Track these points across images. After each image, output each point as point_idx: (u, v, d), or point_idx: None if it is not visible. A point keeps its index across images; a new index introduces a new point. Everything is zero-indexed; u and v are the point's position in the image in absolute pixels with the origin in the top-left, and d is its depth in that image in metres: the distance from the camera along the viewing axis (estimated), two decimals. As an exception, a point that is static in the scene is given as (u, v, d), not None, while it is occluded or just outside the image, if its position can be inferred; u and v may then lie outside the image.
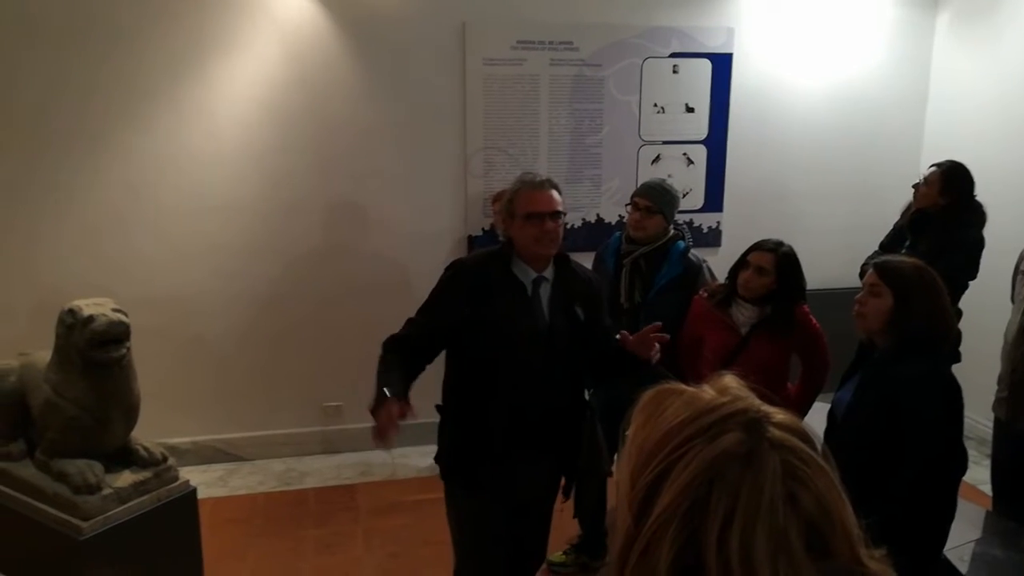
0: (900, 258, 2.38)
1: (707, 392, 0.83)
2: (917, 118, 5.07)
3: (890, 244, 3.91)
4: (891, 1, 4.87)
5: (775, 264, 2.86)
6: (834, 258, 4.74)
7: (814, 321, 2.97)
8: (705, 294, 3.04)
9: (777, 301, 2.88)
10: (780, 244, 2.92)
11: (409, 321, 2.45)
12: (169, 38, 3.99)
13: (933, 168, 3.70)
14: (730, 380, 0.85)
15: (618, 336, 2.41)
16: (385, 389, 2.18)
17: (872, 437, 2.13)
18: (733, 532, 0.70)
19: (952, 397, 2.11)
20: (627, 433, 0.85)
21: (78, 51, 3.90)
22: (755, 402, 0.81)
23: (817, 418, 2.68)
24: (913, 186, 3.80)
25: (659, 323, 2.42)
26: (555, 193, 2.38)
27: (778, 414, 0.80)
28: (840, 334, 2.83)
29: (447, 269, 2.47)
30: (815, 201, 5.00)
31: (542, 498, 2.59)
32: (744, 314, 2.91)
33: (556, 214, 2.36)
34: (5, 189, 3.94)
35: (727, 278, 3.02)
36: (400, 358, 2.36)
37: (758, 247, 2.93)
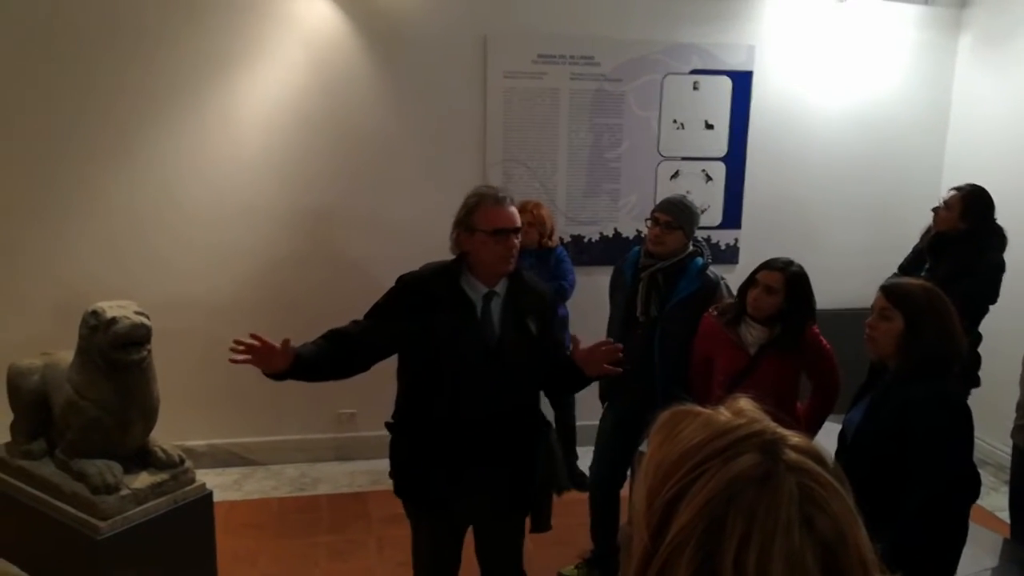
0: (908, 280, 2.36)
1: (723, 414, 0.84)
2: (938, 140, 5.05)
3: (909, 267, 3.89)
4: (913, 22, 4.87)
5: (784, 283, 2.83)
6: (853, 278, 4.73)
7: (824, 341, 2.94)
8: (715, 312, 3.03)
9: (786, 321, 2.85)
10: (790, 263, 2.89)
11: (354, 322, 2.41)
12: (195, 45, 4.06)
13: (953, 191, 3.69)
14: (745, 403, 0.86)
15: (569, 345, 2.42)
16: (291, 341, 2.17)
17: (882, 459, 2.12)
18: (750, 554, 0.71)
19: (962, 420, 2.10)
20: (643, 452, 0.86)
21: (104, 56, 3.98)
22: (771, 424, 0.82)
23: (828, 439, 2.68)
24: (933, 209, 3.78)
25: (611, 339, 2.43)
26: (513, 208, 2.38)
27: (794, 437, 0.80)
28: (857, 355, 2.81)
29: (396, 282, 2.43)
30: (834, 221, 5.00)
31: (502, 514, 2.53)
32: (753, 334, 2.89)
33: (519, 230, 2.37)
34: (31, 192, 4.01)
35: (736, 297, 3.00)
36: (329, 348, 2.29)
37: (767, 266, 2.91)
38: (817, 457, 0.80)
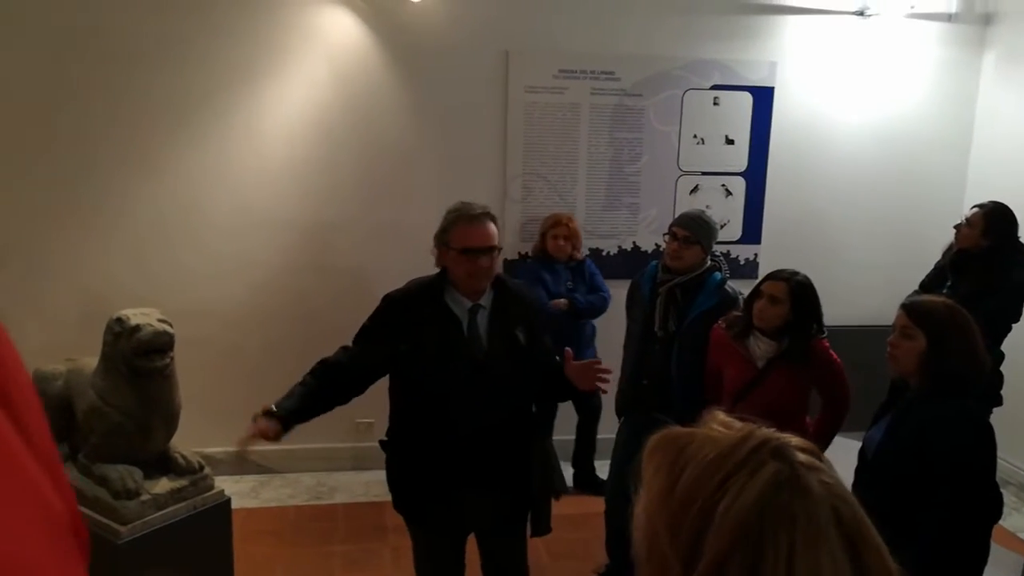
0: (930, 298, 2.35)
1: (716, 430, 0.85)
2: (961, 158, 5.02)
3: (930, 284, 3.86)
4: (937, 39, 4.85)
5: (788, 293, 2.79)
6: (873, 295, 4.69)
7: (834, 355, 2.90)
8: (723, 324, 3.02)
9: (793, 333, 2.81)
10: (795, 273, 2.86)
11: (343, 348, 2.47)
12: (221, 58, 4.12)
13: (975, 209, 3.67)
14: (723, 416, 0.87)
15: (559, 357, 2.42)
16: (274, 406, 2.29)
17: (903, 477, 2.11)
18: (799, 561, 0.72)
19: (984, 438, 2.08)
20: (643, 478, 0.85)
21: (132, 69, 4.05)
22: (769, 431, 0.83)
23: (848, 456, 2.65)
24: (955, 226, 3.76)
25: (599, 359, 2.44)
26: (491, 226, 2.34)
27: (793, 438, 0.82)
28: (877, 372, 2.79)
29: (381, 301, 2.47)
30: (855, 237, 4.97)
31: (501, 526, 2.53)
32: (761, 347, 2.86)
33: (491, 249, 2.33)
34: (59, 200, 4.09)
35: (743, 309, 2.98)
36: (319, 385, 2.39)
37: (771, 276, 2.89)
38: (818, 453, 0.82)
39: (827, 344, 2.91)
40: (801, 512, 0.74)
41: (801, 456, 0.79)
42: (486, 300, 2.41)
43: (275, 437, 2.28)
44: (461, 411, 2.33)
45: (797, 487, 0.75)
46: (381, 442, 2.54)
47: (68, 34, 3.98)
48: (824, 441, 2.91)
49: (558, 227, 4.16)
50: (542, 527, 2.54)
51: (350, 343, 2.51)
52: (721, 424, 0.86)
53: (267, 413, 2.28)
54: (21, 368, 0.38)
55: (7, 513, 0.33)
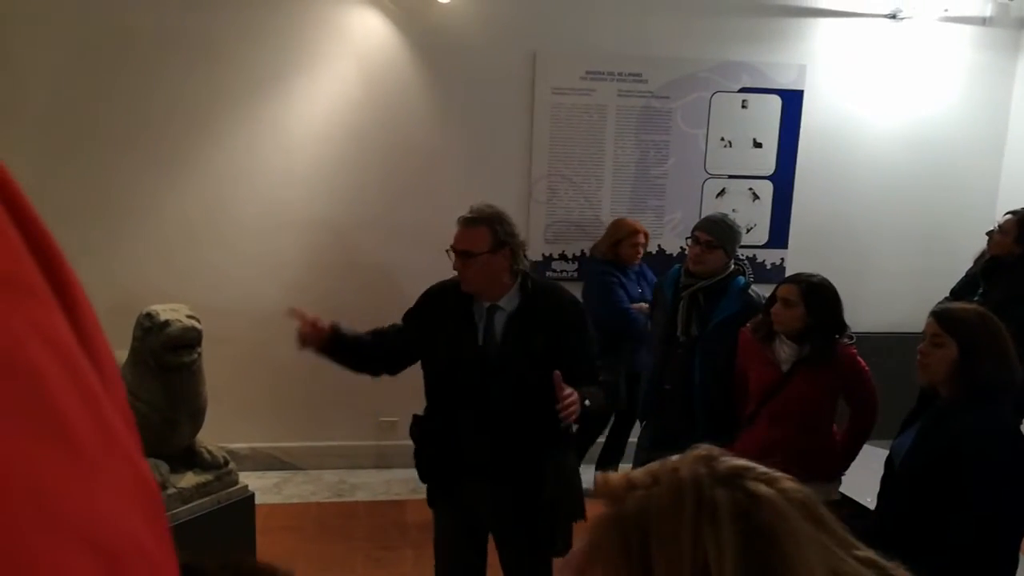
0: (961, 305, 2.31)
1: (638, 482, 0.82)
2: (994, 163, 4.93)
3: (961, 291, 3.81)
4: (970, 43, 4.78)
5: (800, 295, 2.76)
6: (902, 301, 4.63)
7: (861, 362, 2.85)
8: (750, 327, 3.00)
9: (815, 337, 2.78)
10: (810, 276, 2.84)
11: (392, 325, 2.62)
12: (249, 59, 4.17)
13: (1009, 215, 3.61)
14: (617, 474, 0.84)
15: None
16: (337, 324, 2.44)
17: (931, 486, 2.08)
18: (800, 563, 0.72)
19: (1017, 448, 2.05)
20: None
21: (162, 69, 4.11)
22: (678, 460, 0.81)
23: (875, 464, 2.62)
24: (987, 233, 3.70)
25: (568, 391, 2.24)
26: (471, 231, 2.36)
27: (699, 451, 0.81)
28: (905, 379, 2.75)
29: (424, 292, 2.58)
30: (884, 242, 4.90)
31: (513, 530, 2.52)
32: (786, 351, 2.83)
33: (462, 253, 2.36)
34: (91, 198, 4.15)
35: (763, 313, 2.96)
36: (367, 340, 2.53)
37: (785, 280, 2.89)
38: (728, 453, 0.82)
39: (854, 351, 2.87)
40: (774, 520, 0.74)
41: (726, 465, 0.78)
42: (508, 302, 2.41)
43: (318, 337, 2.43)
44: (468, 406, 2.38)
45: (756, 501, 0.75)
46: (415, 416, 2.59)
47: (99, 34, 4.04)
48: (853, 448, 2.87)
49: (637, 235, 4.14)
50: (555, 545, 2.50)
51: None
52: (643, 480, 0.82)
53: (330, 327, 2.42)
54: (105, 343, 0.38)
55: (118, 490, 0.32)
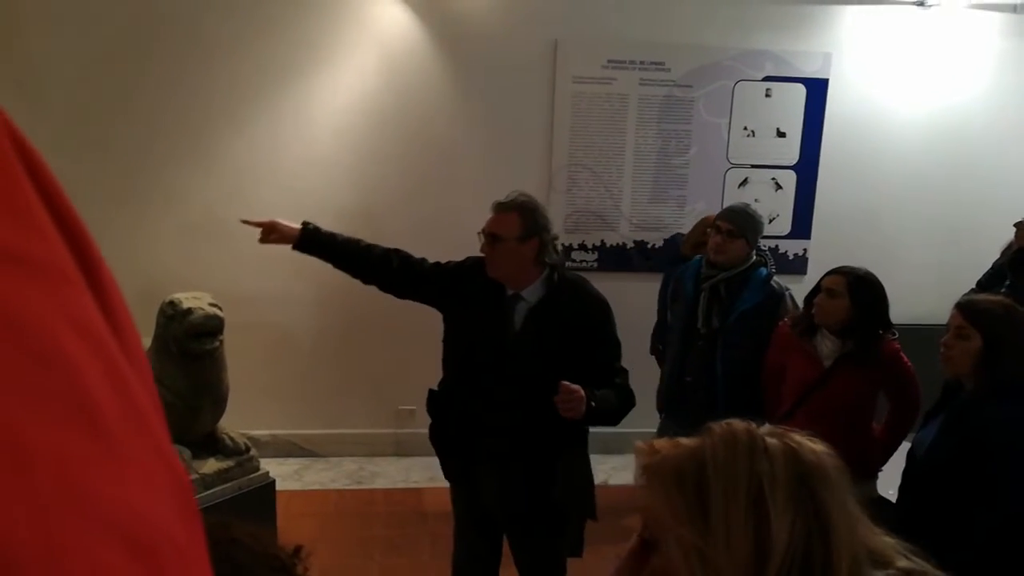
0: (986, 297, 2.27)
1: (683, 441, 0.88)
2: (1023, 153, 4.84)
3: (988, 283, 3.75)
4: (1000, 31, 4.69)
5: (846, 287, 2.70)
6: (927, 293, 4.57)
7: (905, 359, 2.79)
8: (789, 322, 2.96)
9: (859, 331, 2.72)
10: (856, 269, 2.78)
11: (423, 259, 2.63)
12: (271, 48, 4.18)
13: (1038, 206, 3.54)
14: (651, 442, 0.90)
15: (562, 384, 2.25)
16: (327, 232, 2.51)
17: (955, 479, 2.05)
18: (838, 507, 0.76)
19: None
20: (656, 518, 0.86)
21: (185, 58, 4.13)
22: (731, 422, 0.88)
23: (896, 457, 2.59)
24: (1015, 224, 3.64)
25: (572, 387, 2.21)
26: (502, 216, 2.37)
27: (732, 422, 0.88)
28: (928, 372, 2.72)
29: (466, 259, 2.58)
30: (909, 234, 4.84)
31: (518, 523, 2.51)
32: (828, 346, 2.77)
33: (491, 236, 2.36)
34: (114, 187, 4.19)
35: (804, 306, 2.91)
36: (387, 258, 2.57)
37: (831, 271, 2.83)
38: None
39: (898, 347, 2.79)
40: (819, 465, 0.81)
41: (772, 427, 0.86)
42: (530, 294, 2.39)
43: (279, 237, 2.50)
44: (481, 391, 2.38)
45: (802, 448, 0.82)
46: (430, 391, 2.59)
47: (123, 26, 4.07)
48: (892, 445, 2.81)
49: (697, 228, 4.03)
50: (572, 547, 2.50)
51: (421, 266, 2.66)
52: (670, 442, 0.89)
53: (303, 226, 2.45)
54: (133, 328, 0.37)
55: (151, 482, 0.31)
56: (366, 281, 2.63)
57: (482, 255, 2.44)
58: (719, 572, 0.77)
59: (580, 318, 2.38)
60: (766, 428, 0.85)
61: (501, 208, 2.39)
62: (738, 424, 0.85)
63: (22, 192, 0.30)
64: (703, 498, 0.79)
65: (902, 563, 0.80)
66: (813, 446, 0.83)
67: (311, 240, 2.53)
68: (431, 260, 2.70)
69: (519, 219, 2.35)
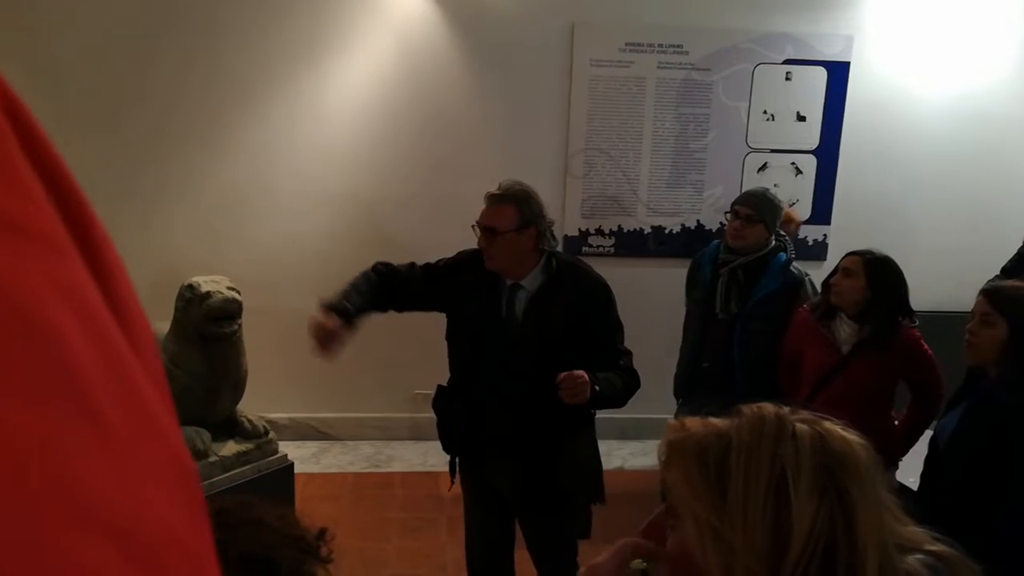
0: (1013, 283, 2.24)
1: (713, 421, 0.88)
2: (1051, 137, 4.75)
3: (1013, 269, 3.69)
4: (1028, 12, 4.59)
5: (863, 267, 2.68)
6: (948, 280, 4.51)
7: (925, 346, 2.75)
8: (808, 308, 2.94)
9: (876, 315, 2.69)
10: (872, 250, 2.75)
11: (410, 264, 2.57)
12: (286, 33, 4.18)
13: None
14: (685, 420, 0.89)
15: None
16: (347, 303, 2.37)
17: (977, 467, 2.03)
18: (868, 500, 0.76)
19: None
20: (678, 498, 0.85)
21: (201, 42, 4.13)
22: (763, 405, 0.88)
23: (918, 445, 2.57)
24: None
25: (578, 374, 2.19)
26: (496, 208, 2.34)
27: (763, 406, 0.88)
28: (950, 359, 2.69)
29: (458, 253, 2.57)
30: (931, 219, 4.77)
31: (529, 508, 2.51)
32: (845, 331, 2.74)
33: (488, 230, 2.32)
34: (131, 172, 4.21)
35: (821, 290, 2.89)
36: (381, 283, 2.48)
37: (849, 252, 2.81)
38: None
39: (918, 334, 2.76)
40: (850, 454, 0.79)
41: (807, 414, 0.85)
42: (530, 282, 2.38)
43: (339, 333, 2.36)
44: (484, 382, 2.38)
45: (832, 437, 0.80)
46: (439, 387, 2.59)
47: (135, 9, 4.08)
48: (913, 435, 2.78)
49: (791, 224, 3.91)
50: (579, 529, 2.50)
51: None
52: (701, 422, 0.89)
53: (341, 312, 2.37)
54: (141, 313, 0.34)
55: (150, 472, 0.28)
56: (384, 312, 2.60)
57: (475, 248, 2.43)
58: (733, 552, 0.77)
59: (582, 302, 2.38)
60: (799, 414, 0.84)
61: (495, 200, 2.37)
62: (769, 408, 0.84)
63: (7, 154, 0.27)
64: (723, 478, 0.79)
65: (933, 547, 0.80)
66: (844, 434, 0.81)
67: (348, 317, 2.43)
68: (446, 246, 2.70)
69: (515, 210, 2.33)
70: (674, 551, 0.84)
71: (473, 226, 2.38)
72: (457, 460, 2.61)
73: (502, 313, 2.38)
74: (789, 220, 3.89)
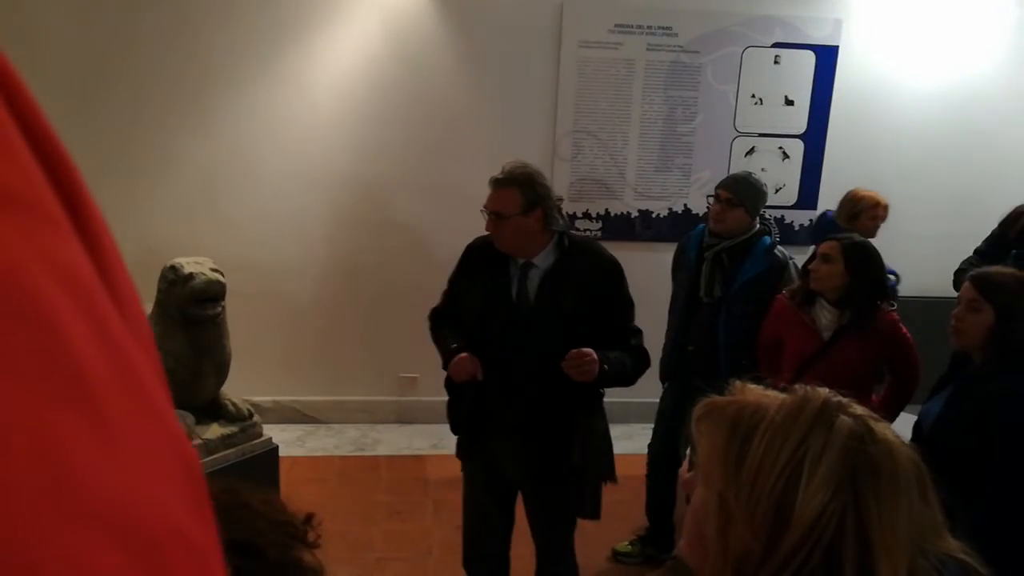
0: (999, 270, 2.25)
1: (764, 394, 0.85)
2: (1036, 123, 4.77)
3: (987, 251, 3.70)
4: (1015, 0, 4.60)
5: (840, 251, 2.70)
6: (930, 265, 4.53)
7: (904, 329, 2.80)
8: (787, 294, 2.95)
9: (855, 300, 2.71)
10: (851, 235, 2.78)
11: (443, 293, 2.62)
12: (271, 9, 4.11)
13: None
14: (751, 384, 0.88)
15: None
16: (452, 344, 2.40)
17: (961, 452, 2.05)
18: (885, 508, 0.73)
19: None
20: (698, 453, 0.85)
21: (183, 18, 4.06)
22: (820, 389, 0.86)
23: (903, 429, 2.57)
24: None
25: (585, 350, 2.25)
26: (501, 192, 2.35)
27: (842, 396, 0.85)
28: (932, 343, 2.71)
29: (465, 249, 2.58)
30: (917, 205, 4.78)
31: (535, 487, 2.53)
32: (826, 316, 2.77)
33: (494, 214, 2.35)
34: (108, 151, 4.13)
35: (800, 276, 2.91)
36: (448, 324, 2.52)
37: (827, 237, 2.82)
38: (867, 410, 0.86)
39: (896, 317, 2.81)
40: (885, 461, 0.76)
41: (861, 410, 0.82)
42: (542, 260, 2.39)
43: (473, 359, 2.37)
44: (496, 361, 2.37)
45: (875, 439, 0.78)
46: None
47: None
48: (890, 417, 2.82)
49: (877, 208, 3.87)
50: (584, 507, 2.51)
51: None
52: (759, 391, 0.87)
53: (454, 353, 2.40)
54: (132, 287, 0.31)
55: (151, 461, 0.27)
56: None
57: (485, 234, 2.45)
58: (732, 521, 0.77)
59: (595, 280, 2.40)
60: (853, 408, 0.81)
61: (499, 184, 2.37)
62: (819, 394, 0.82)
63: None
64: (745, 448, 0.78)
65: (960, 555, 0.79)
66: (892, 444, 0.77)
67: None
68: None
69: (519, 193, 2.34)
70: (693, 507, 0.85)
71: (482, 210, 2.40)
72: (462, 443, 2.61)
73: (514, 291, 2.40)
74: (875, 204, 3.83)
